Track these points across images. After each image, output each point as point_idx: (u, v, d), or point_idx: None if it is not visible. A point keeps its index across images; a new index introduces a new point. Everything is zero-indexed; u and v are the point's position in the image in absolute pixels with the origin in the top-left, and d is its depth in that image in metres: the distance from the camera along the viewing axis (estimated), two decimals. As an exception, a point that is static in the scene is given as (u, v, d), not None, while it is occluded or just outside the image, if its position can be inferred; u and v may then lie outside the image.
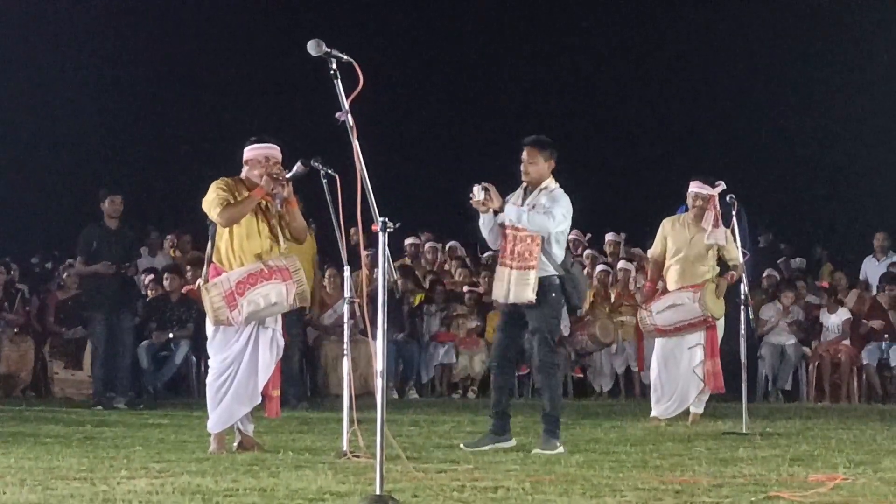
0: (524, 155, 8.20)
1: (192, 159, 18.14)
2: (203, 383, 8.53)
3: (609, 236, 15.84)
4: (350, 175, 5.82)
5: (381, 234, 5.45)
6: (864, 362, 14.04)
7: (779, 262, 16.35)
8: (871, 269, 15.31)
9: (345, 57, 5.58)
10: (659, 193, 14.04)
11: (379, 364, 5.43)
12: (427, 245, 16.13)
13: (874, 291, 14.82)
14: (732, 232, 10.21)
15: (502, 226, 8.11)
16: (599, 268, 14.83)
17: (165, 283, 13.89)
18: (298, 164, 7.74)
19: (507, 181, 8.25)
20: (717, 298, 10.18)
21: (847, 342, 14.17)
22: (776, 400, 14.03)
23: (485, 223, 8.18)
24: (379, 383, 5.40)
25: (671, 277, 10.37)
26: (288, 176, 7.67)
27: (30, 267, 16.38)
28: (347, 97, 5.57)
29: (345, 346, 7.59)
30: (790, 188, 19.50)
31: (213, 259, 7.72)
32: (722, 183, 10.11)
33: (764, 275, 15.15)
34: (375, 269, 6.97)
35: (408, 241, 15.89)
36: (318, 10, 18.82)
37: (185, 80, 19.12)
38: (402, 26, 19.96)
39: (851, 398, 13.98)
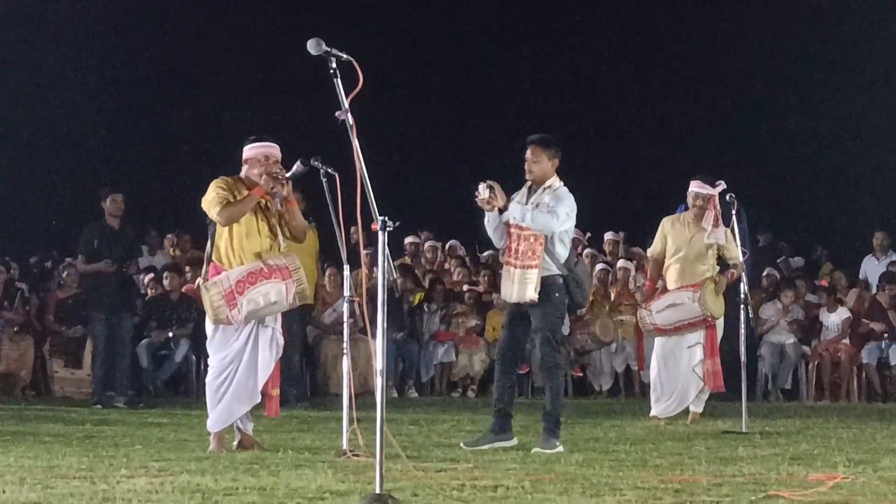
0: (528, 153, 8.15)
1: (192, 159, 18.13)
2: (203, 382, 8.52)
3: (608, 235, 15.84)
4: (350, 174, 5.82)
5: (380, 233, 5.45)
6: (864, 361, 14.05)
7: (778, 261, 16.36)
8: (871, 269, 15.32)
9: (344, 56, 5.58)
10: (659, 193, 14.05)
11: (379, 363, 5.43)
12: (427, 244, 16.13)
13: (874, 290, 14.83)
14: (732, 231, 10.21)
15: (507, 224, 8.09)
16: (599, 267, 14.83)
17: (165, 282, 13.92)
18: (298, 163, 7.74)
19: (507, 181, 8.22)
20: (717, 296, 10.19)
21: (847, 341, 14.18)
22: (776, 399, 14.04)
23: (490, 221, 8.16)
24: (379, 382, 5.40)
25: (671, 277, 10.38)
26: (287, 175, 7.67)
27: (30, 266, 16.36)
28: (347, 96, 5.57)
29: (344, 344, 7.59)
30: (790, 188, 19.47)
31: (213, 258, 7.72)
32: (722, 182, 10.11)
33: (764, 274, 15.16)
34: (375, 268, 6.97)
35: (407, 239, 15.90)
36: (318, 10, 18.78)
37: (185, 80, 19.08)
38: (402, 26, 19.93)
39: (851, 397, 13.99)
